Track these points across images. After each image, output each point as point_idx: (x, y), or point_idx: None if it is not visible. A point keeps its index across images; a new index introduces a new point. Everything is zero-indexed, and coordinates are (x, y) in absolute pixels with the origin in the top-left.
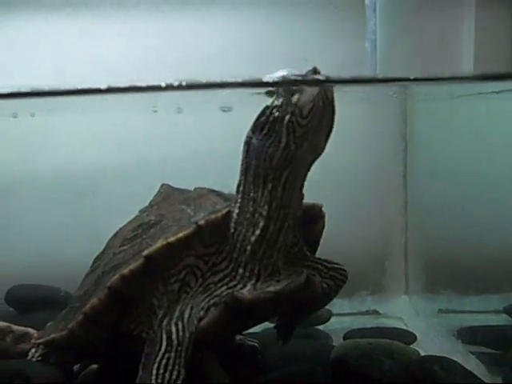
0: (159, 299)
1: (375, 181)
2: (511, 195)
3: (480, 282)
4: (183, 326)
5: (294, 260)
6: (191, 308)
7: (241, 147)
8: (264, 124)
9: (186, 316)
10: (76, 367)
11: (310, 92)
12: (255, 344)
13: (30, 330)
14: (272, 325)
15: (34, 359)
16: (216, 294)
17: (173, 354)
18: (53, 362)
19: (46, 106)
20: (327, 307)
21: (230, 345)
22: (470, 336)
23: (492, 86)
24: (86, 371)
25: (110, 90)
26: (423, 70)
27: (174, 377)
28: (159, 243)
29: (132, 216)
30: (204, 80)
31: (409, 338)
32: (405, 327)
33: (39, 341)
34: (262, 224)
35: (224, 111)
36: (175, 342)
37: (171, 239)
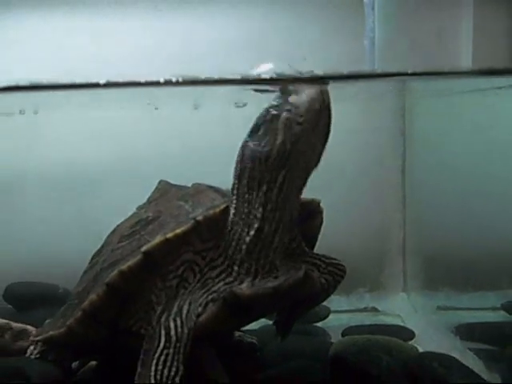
0: (157, 295)
1: (373, 177)
2: (510, 191)
3: (478, 279)
4: (182, 322)
5: (292, 255)
6: (189, 304)
7: (234, 142)
8: (260, 124)
9: (185, 312)
10: (75, 364)
11: (308, 92)
12: (254, 341)
13: (28, 327)
14: (270, 322)
15: (32, 356)
16: (214, 290)
17: (171, 350)
18: (51, 359)
19: (45, 103)
20: (325, 304)
21: (229, 341)
22: (468, 333)
23: (490, 81)
24: (85, 368)
25: (109, 85)
26: (421, 68)
27: (172, 373)
28: (157, 239)
29: (130, 213)
30: (203, 77)
31: (407, 334)
32: (403, 324)
33: (38, 338)
34: (256, 225)
35: (238, 107)
36: (174, 338)
37: (169, 235)
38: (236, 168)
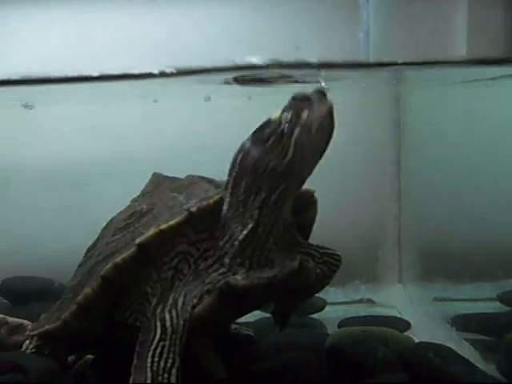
0: (153, 287)
1: (368, 168)
2: (505, 183)
3: (474, 270)
4: (177, 314)
5: (287, 246)
6: (185, 295)
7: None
8: (269, 136)
9: (180, 303)
10: (71, 358)
11: (320, 110)
12: (250, 333)
13: (24, 321)
14: (267, 314)
15: (28, 351)
16: (208, 281)
17: (167, 342)
18: (47, 353)
19: (39, 97)
20: (321, 296)
21: (225, 333)
22: (464, 323)
23: (485, 72)
24: (81, 362)
25: (102, 78)
26: (416, 59)
27: (168, 365)
28: (151, 231)
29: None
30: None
31: (403, 325)
32: (399, 315)
33: (33, 332)
34: (250, 226)
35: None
36: (169, 330)
37: (163, 226)
38: (233, 167)
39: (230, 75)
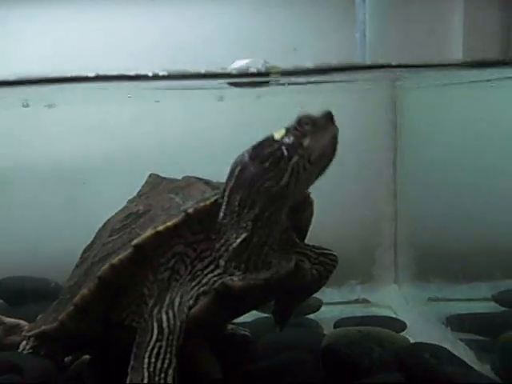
0: (149, 288)
1: (365, 169)
2: (501, 183)
3: (469, 271)
4: (174, 315)
5: (283, 247)
6: (181, 296)
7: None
8: (268, 157)
9: (177, 304)
10: (67, 359)
11: (323, 138)
12: (247, 333)
13: (21, 321)
14: (264, 314)
15: (24, 351)
16: (204, 282)
17: (164, 343)
18: (44, 353)
19: (36, 97)
20: (317, 296)
21: (222, 334)
22: (459, 323)
23: (482, 74)
24: (78, 362)
25: (98, 78)
26: (412, 60)
27: (165, 365)
28: (148, 232)
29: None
30: (191, 69)
31: (399, 326)
32: (394, 315)
33: (30, 333)
34: (244, 236)
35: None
36: (166, 331)
37: (160, 228)
38: (230, 177)
39: (225, 80)
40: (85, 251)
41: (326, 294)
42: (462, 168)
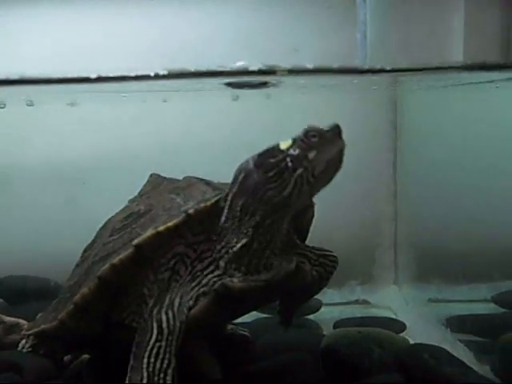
0: (149, 288)
1: (365, 169)
2: (501, 184)
3: (469, 272)
4: (173, 315)
5: (284, 248)
6: (181, 297)
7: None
8: (272, 167)
9: (176, 304)
10: (67, 358)
11: (329, 152)
12: (246, 333)
13: (20, 320)
14: (263, 315)
15: (24, 350)
16: (204, 283)
17: (163, 343)
18: (43, 352)
19: (35, 96)
20: (317, 297)
21: (221, 334)
22: (458, 325)
23: (482, 76)
24: (77, 361)
25: (100, 79)
26: (413, 61)
27: (164, 365)
28: (149, 232)
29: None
30: (192, 69)
31: (398, 327)
32: (394, 316)
33: (29, 332)
34: (244, 241)
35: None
36: (166, 331)
37: (161, 228)
38: (234, 182)
39: (225, 80)
40: (85, 250)
41: (325, 294)
42: (463, 168)
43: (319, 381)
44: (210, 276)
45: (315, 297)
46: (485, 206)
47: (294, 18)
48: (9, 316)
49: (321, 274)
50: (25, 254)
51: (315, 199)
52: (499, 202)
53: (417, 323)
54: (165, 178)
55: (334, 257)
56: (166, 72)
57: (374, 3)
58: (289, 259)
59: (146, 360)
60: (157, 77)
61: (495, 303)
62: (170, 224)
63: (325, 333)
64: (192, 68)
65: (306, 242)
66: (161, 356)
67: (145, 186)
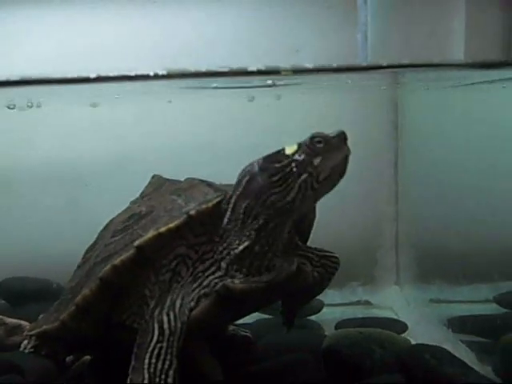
0: (151, 289)
1: (366, 170)
2: (502, 184)
3: (470, 272)
4: (175, 316)
5: (285, 250)
6: (182, 298)
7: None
8: (277, 171)
9: (178, 306)
10: (69, 359)
11: (334, 158)
12: (248, 334)
13: (22, 322)
14: (265, 316)
15: (26, 351)
16: (205, 284)
17: (165, 344)
18: (45, 353)
19: (38, 98)
20: (319, 298)
21: (223, 335)
22: (460, 325)
23: (483, 75)
24: (79, 363)
25: (99, 79)
26: (414, 61)
27: (166, 366)
28: (150, 233)
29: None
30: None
31: (400, 327)
32: (396, 317)
33: (31, 332)
34: (246, 243)
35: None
36: (167, 332)
37: (162, 229)
38: (238, 185)
39: (230, 80)
40: (87, 252)
41: (327, 295)
42: (464, 169)
43: (321, 381)
44: (211, 277)
45: (317, 298)
46: (486, 207)
47: (295, 18)
48: (11, 317)
49: (322, 275)
50: (26, 255)
51: None
52: (500, 202)
53: (418, 324)
54: (167, 179)
55: (336, 258)
56: (165, 72)
57: (375, 4)
58: (290, 260)
59: (147, 361)
60: (156, 77)
61: (497, 303)
62: (171, 225)
63: (326, 333)
64: (192, 68)
65: (308, 243)
66: (162, 357)
67: (146, 187)
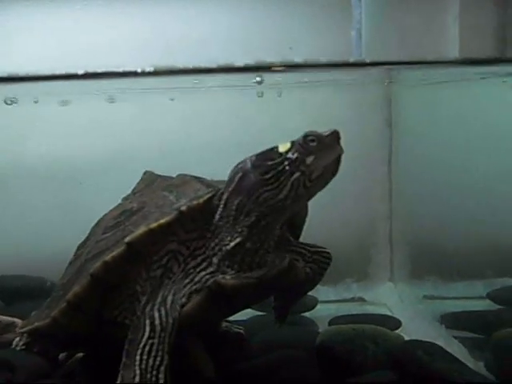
0: (142, 285)
1: (360, 168)
2: (496, 182)
3: (464, 269)
4: (166, 312)
5: (277, 245)
6: (174, 294)
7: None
8: (270, 169)
9: (169, 302)
10: (62, 356)
11: (327, 157)
12: (241, 331)
13: (16, 320)
14: (258, 312)
15: (18, 348)
16: (197, 280)
17: (156, 340)
18: (36, 350)
19: (31, 95)
20: (313, 294)
21: (216, 331)
22: (453, 321)
23: (477, 71)
24: (72, 360)
25: (87, 76)
26: (408, 58)
27: (157, 362)
28: (141, 230)
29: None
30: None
31: (394, 324)
32: (390, 313)
33: (23, 330)
34: (238, 240)
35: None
36: (158, 328)
37: (153, 225)
38: (230, 181)
39: (220, 77)
40: (78, 248)
41: (321, 292)
42: (457, 166)
43: (314, 378)
44: (202, 273)
45: (311, 294)
46: (480, 204)
47: (289, 16)
48: (4, 315)
49: (314, 270)
50: (20, 253)
51: None
52: (494, 199)
53: (412, 320)
54: (158, 175)
55: (328, 253)
56: (152, 69)
57: (369, 1)
58: (282, 256)
59: (138, 357)
60: (143, 74)
61: (490, 300)
62: (162, 221)
63: (320, 330)
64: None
65: (300, 240)
66: (153, 353)
67: (138, 183)
